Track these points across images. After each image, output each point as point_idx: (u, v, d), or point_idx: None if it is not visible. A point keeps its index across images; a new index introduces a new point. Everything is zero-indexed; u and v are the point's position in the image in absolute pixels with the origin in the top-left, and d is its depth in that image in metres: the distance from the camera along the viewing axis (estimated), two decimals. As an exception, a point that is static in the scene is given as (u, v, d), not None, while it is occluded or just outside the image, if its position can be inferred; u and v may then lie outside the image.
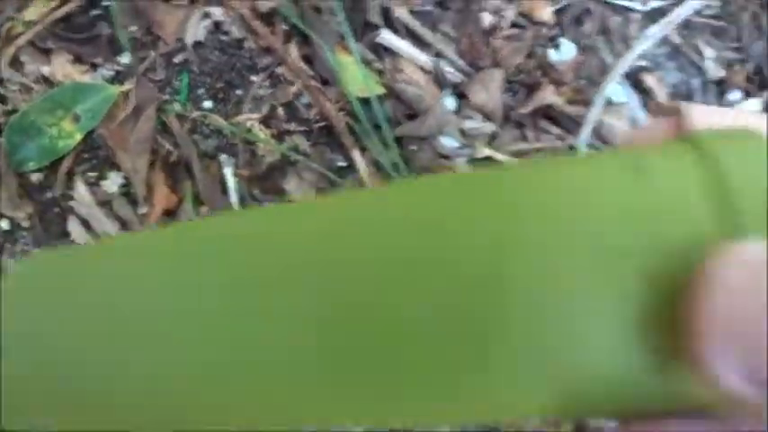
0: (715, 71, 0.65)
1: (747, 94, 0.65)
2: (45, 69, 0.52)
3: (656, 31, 0.61)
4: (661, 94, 0.62)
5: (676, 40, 0.64)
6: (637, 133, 0.17)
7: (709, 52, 0.65)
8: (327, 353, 0.13)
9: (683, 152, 0.14)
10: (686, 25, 0.64)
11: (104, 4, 0.54)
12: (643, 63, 0.63)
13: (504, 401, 0.13)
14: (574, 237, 0.13)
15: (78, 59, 0.53)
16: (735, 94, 0.65)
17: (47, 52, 0.52)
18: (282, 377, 0.13)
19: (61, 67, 0.52)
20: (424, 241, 0.13)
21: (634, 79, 0.62)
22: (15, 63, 0.52)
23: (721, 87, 0.64)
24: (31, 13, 0.52)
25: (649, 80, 0.62)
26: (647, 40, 0.61)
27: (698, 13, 0.65)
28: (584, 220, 0.13)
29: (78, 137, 0.50)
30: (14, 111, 0.50)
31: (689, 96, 0.64)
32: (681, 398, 0.13)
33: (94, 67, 0.53)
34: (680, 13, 0.62)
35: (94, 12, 0.54)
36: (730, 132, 0.14)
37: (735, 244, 0.13)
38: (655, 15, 0.63)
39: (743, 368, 0.12)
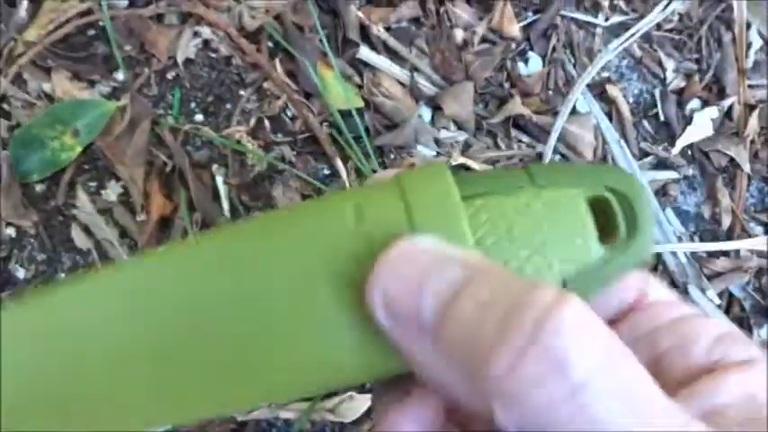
0: (675, 81, 0.69)
1: (706, 103, 0.70)
2: (46, 86, 0.55)
3: (617, 44, 0.66)
4: (624, 104, 0.66)
5: (638, 52, 0.68)
6: (377, 176, 0.22)
7: (669, 63, 0.69)
8: (158, 366, 0.19)
9: (390, 185, 0.20)
10: (647, 38, 0.69)
11: (100, 24, 0.57)
12: (607, 75, 0.67)
13: (274, 386, 0.19)
14: (307, 275, 0.19)
15: (77, 77, 0.56)
16: (694, 103, 0.69)
17: (47, 70, 0.55)
18: (121, 383, 0.19)
19: (61, 85, 0.55)
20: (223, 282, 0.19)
21: (599, 90, 0.66)
22: (18, 81, 0.55)
23: (681, 97, 0.69)
24: (31, 34, 0.55)
25: (613, 91, 0.66)
26: (610, 53, 0.65)
27: (658, 27, 0.70)
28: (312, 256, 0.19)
29: (78, 149, 0.54)
30: (18, 125, 0.54)
31: (652, 105, 0.68)
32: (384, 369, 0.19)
33: (92, 83, 0.56)
34: (640, 28, 0.67)
35: (91, 32, 0.57)
36: (422, 167, 0.20)
37: (400, 240, 0.18)
38: (617, 30, 0.68)
39: (386, 306, 0.17)
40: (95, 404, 0.19)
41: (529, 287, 0.16)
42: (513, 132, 0.63)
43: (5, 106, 0.54)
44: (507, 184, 0.20)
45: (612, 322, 0.22)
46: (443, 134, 0.61)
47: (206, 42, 0.59)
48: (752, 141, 0.69)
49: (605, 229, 0.21)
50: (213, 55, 0.59)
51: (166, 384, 0.19)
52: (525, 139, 0.63)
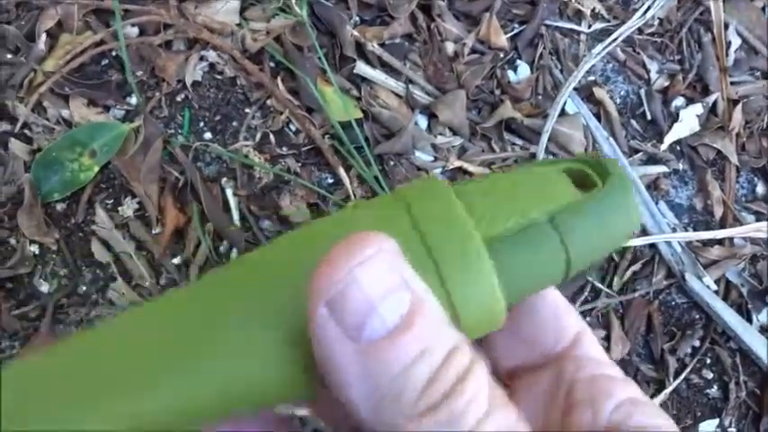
0: (659, 81, 0.72)
1: (690, 101, 0.73)
2: (64, 112, 0.59)
3: (601, 48, 0.69)
4: (611, 105, 0.70)
5: (621, 56, 0.72)
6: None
7: (652, 65, 0.72)
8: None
9: (391, 199, 0.21)
10: (630, 42, 0.72)
11: (113, 54, 0.61)
12: (593, 78, 0.70)
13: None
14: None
15: (93, 103, 0.60)
16: (679, 101, 0.72)
17: (65, 98, 0.59)
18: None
19: (78, 110, 0.59)
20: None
21: (586, 93, 0.70)
22: (38, 108, 0.59)
23: (666, 96, 0.72)
24: (49, 65, 0.59)
25: (600, 93, 0.69)
26: (594, 58, 0.69)
27: (640, 31, 0.73)
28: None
29: (96, 169, 0.57)
30: (39, 149, 0.57)
31: (638, 105, 0.71)
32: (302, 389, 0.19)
33: (107, 108, 0.60)
34: (622, 32, 0.70)
35: (104, 61, 0.61)
36: (419, 181, 0.21)
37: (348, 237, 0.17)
38: (600, 36, 0.71)
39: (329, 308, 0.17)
40: None
41: (452, 343, 0.17)
42: (507, 135, 0.66)
43: (27, 132, 0.58)
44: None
45: (539, 367, 0.24)
46: (440, 140, 0.64)
47: (212, 65, 0.62)
48: (737, 134, 0.71)
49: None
50: (219, 76, 0.62)
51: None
52: (518, 141, 0.66)
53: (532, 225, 0.20)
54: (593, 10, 0.72)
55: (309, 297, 0.17)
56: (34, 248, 0.56)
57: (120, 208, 0.58)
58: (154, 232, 0.57)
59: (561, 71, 0.69)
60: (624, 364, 0.64)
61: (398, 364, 0.16)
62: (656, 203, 0.67)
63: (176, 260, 0.58)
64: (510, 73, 0.68)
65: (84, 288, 0.56)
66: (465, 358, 0.17)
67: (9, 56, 0.59)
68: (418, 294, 0.17)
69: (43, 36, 0.59)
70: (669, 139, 0.70)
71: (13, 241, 0.56)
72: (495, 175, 0.22)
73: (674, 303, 0.66)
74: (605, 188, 0.21)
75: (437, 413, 0.16)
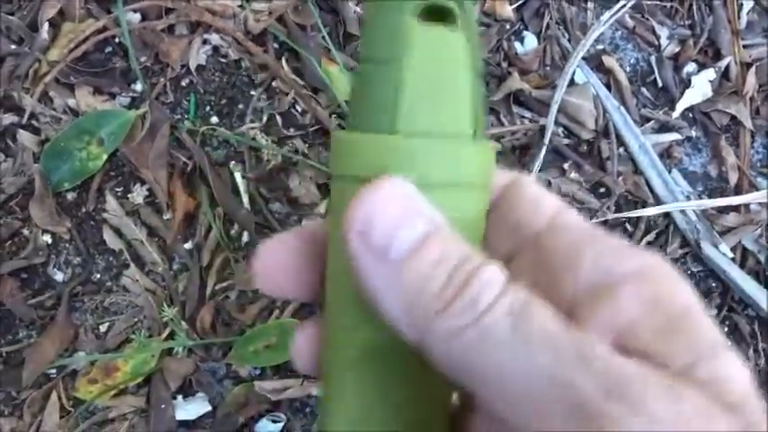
0: (670, 48, 0.71)
1: (702, 66, 0.71)
2: (70, 101, 0.59)
3: (609, 16, 0.68)
4: (621, 73, 0.68)
5: (630, 23, 0.70)
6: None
7: (662, 31, 0.71)
8: None
9: None
10: (638, 9, 0.71)
11: (115, 40, 0.61)
12: (602, 47, 0.69)
13: None
14: None
15: (98, 90, 0.60)
16: (690, 67, 0.71)
17: (71, 87, 0.59)
18: None
19: (84, 99, 0.59)
20: None
21: (595, 62, 0.68)
22: (44, 98, 0.59)
23: (677, 62, 0.71)
24: (53, 54, 0.59)
25: (609, 61, 0.68)
26: (602, 26, 0.67)
27: (648, -4, 0.72)
28: None
29: (104, 157, 0.57)
30: (47, 140, 0.58)
31: (649, 72, 0.70)
32: None
33: (113, 96, 0.60)
34: (630, -1, 0.69)
35: (108, 49, 0.61)
36: None
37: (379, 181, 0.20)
38: (608, 2, 0.70)
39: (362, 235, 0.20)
40: None
41: (465, 251, 0.20)
42: (515, 108, 0.65)
43: (35, 123, 0.58)
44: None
45: (526, 248, 0.24)
46: (447, 115, 0.63)
47: (215, 48, 0.62)
48: (751, 99, 0.70)
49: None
50: (223, 60, 0.62)
51: None
52: (527, 113, 0.65)
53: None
54: (600, -23, 0.70)
55: (344, 230, 0.20)
56: (47, 238, 0.56)
57: (129, 195, 0.58)
58: (165, 218, 0.58)
59: (569, 40, 0.68)
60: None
61: (421, 271, 0.19)
62: (670, 172, 0.66)
63: (188, 245, 0.58)
64: (517, 44, 0.67)
65: (98, 275, 0.57)
66: (477, 259, 0.20)
67: (13, 46, 0.59)
68: (434, 220, 0.20)
69: (46, 25, 0.59)
70: (681, 105, 0.68)
71: (26, 232, 0.56)
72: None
73: (689, 272, 0.65)
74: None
75: (455, 303, 0.19)
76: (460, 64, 0.21)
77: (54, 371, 0.54)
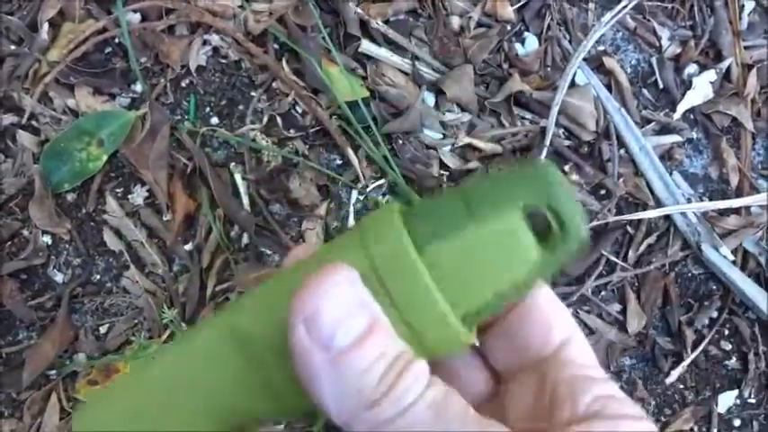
0: (671, 49, 0.71)
1: (703, 67, 0.71)
2: (70, 102, 0.59)
3: (610, 17, 0.68)
4: (622, 74, 0.68)
5: (631, 24, 0.70)
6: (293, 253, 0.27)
7: (663, 32, 0.71)
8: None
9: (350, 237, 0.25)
10: (639, 10, 0.71)
11: (115, 41, 0.61)
12: (602, 48, 0.69)
13: None
14: None
15: (98, 91, 0.60)
16: (691, 68, 0.71)
17: (70, 87, 0.59)
18: None
19: (84, 100, 0.59)
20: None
21: (596, 63, 0.68)
22: (44, 99, 0.59)
23: (678, 63, 0.70)
24: (53, 54, 0.59)
25: (610, 62, 0.68)
26: (603, 27, 0.67)
27: (649, -3, 0.71)
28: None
29: (104, 158, 0.57)
30: (47, 140, 0.57)
31: (650, 73, 0.70)
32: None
33: (112, 96, 0.60)
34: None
35: (107, 49, 0.61)
36: (374, 218, 0.25)
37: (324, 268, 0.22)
38: (609, 3, 0.70)
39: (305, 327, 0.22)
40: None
41: (399, 348, 0.22)
42: (516, 110, 0.65)
43: (34, 123, 0.58)
44: (450, 224, 0.24)
45: (530, 368, 0.27)
46: (448, 116, 0.63)
47: (215, 49, 0.62)
48: (752, 100, 0.70)
49: (543, 231, 0.25)
50: (223, 60, 0.62)
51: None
52: (528, 115, 0.65)
53: (495, 297, 0.24)
54: (601, -22, 0.70)
55: (289, 316, 0.22)
56: (47, 239, 0.56)
57: (130, 196, 0.58)
58: (165, 219, 0.58)
59: (570, 41, 0.68)
60: (641, 337, 0.63)
61: (362, 365, 0.21)
62: (671, 174, 0.66)
63: (188, 246, 0.58)
64: (518, 45, 0.67)
65: (98, 277, 0.57)
66: (408, 355, 0.22)
67: (13, 47, 0.59)
68: (375, 313, 0.22)
69: (45, 26, 0.59)
70: (682, 107, 0.68)
71: (25, 233, 0.56)
72: (466, 239, 0.24)
73: (690, 275, 0.65)
74: (563, 240, 0.24)
75: (387, 397, 0.21)
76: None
77: (54, 372, 0.54)
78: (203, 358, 0.25)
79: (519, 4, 0.67)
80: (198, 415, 0.24)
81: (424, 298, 0.23)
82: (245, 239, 0.58)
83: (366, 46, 0.63)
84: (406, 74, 0.64)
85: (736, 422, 0.63)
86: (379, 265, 0.23)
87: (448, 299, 0.23)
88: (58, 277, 0.56)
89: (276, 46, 0.63)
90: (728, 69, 0.70)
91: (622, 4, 0.69)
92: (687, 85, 0.69)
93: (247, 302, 0.25)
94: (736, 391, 0.63)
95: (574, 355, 0.27)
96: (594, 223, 0.63)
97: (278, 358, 0.23)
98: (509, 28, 0.67)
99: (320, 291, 0.21)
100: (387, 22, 0.64)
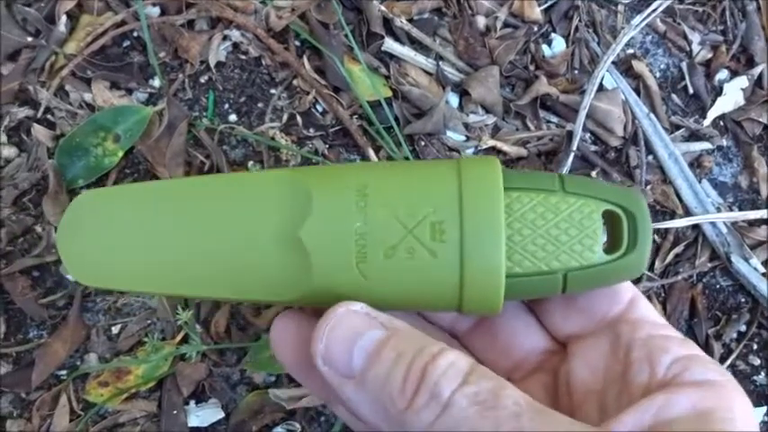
0: (702, 54, 0.69)
1: (735, 73, 0.69)
2: (87, 96, 0.57)
3: (640, 20, 0.66)
4: (651, 79, 0.66)
5: (661, 27, 0.68)
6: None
7: (694, 36, 0.69)
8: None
9: (450, 164, 0.27)
10: (670, 13, 0.69)
11: (134, 35, 0.60)
12: (632, 51, 0.67)
13: None
14: None
15: (115, 86, 0.58)
16: (722, 74, 0.69)
17: (87, 81, 0.58)
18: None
19: (101, 94, 0.58)
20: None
21: (625, 67, 0.66)
22: (60, 92, 0.57)
23: (709, 68, 0.69)
24: (70, 47, 0.58)
25: (639, 66, 0.66)
26: (633, 30, 0.65)
27: (680, 0, 0.70)
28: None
29: (120, 154, 0.56)
30: (62, 135, 0.56)
31: (680, 78, 0.68)
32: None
33: (130, 91, 0.59)
34: (662, 2, 0.67)
35: (126, 43, 0.60)
36: (479, 158, 0.27)
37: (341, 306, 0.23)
38: (638, 6, 0.68)
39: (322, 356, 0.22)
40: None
41: (421, 343, 0.21)
42: (542, 113, 0.63)
43: (50, 117, 0.57)
44: (543, 184, 0.25)
45: (596, 331, 0.26)
46: (472, 118, 0.61)
47: (236, 45, 0.60)
48: (785, 108, 0.68)
49: (612, 238, 0.26)
50: (243, 57, 0.60)
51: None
52: (554, 118, 0.63)
53: (547, 272, 0.24)
54: (631, -21, 0.68)
55: (313, 361, 0.22)
56: (60, 236, 0.55)
57: (145, 193, 0.56)
58: (180, 218, 0.56)
59: (598, 44, 0.66)
60: (666, 349, 0.61)
61: (381, 373, 0.21)
62: (700, 182, 0.64)
63: (203, 246, 0.56)
64: (545, 47, 0.65)
65: (111, 276, 0.55)
66: (433, 348, 0.21)
67: (29, 39, 0.57)
68: (393, 326, 0.22)
69: (63, 18, 0.58)
70: (712, 114, 0.66)
71: (38, 229, 0.55)
72: (549, 199, 0.25)
73: (718, 286, 0.63)
74: (630, 259, 0.25)
75: (417, 398, 0.20)
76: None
77: (64, 372, 0.53)
78: (259, 185, 0.26)
79: (546, 5, 0.66)
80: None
81: (490, 230, 0.23)
82: (262, 240, 0.57)
83: (389, 45, 0.61)
84: (429, 74, 0.62)
85: (764, 440, 0.61)
86: (465, 189, 0.23)
87: (508, 247, 0.24)
88: (71, 275, 0.55)
89: (297, 43, 0.61)
90: (760, 76, 0.68)
91: (652, 6, 0.67)
92: (718, 92, 0.67)
93: (317, 169, 0.27)
94: (765, 408, 0.61)
95: (645, 314, 0.25)
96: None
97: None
98: (536, 29, 0.65)
99: (327, 326, 0.22)
100: (411, 20, 0.63)
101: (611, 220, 0.26)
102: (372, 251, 0.24)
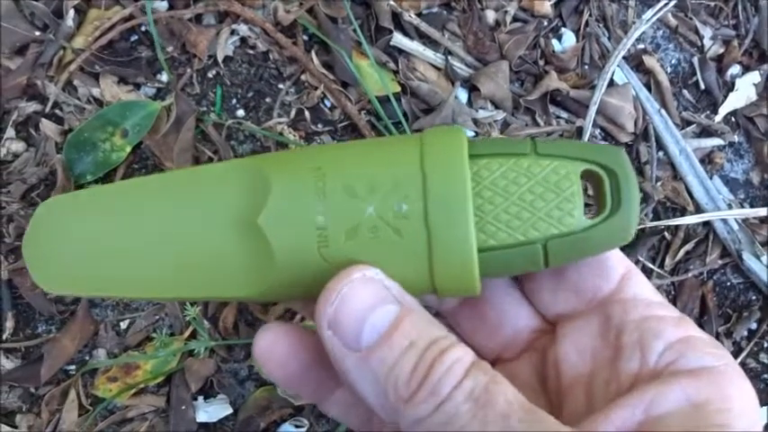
0: (713, 49, 0.68)
1: (747, 68, 0.68)
2: (95, 91, 0.57)
3: (651, 14, 0.65)
4: (662, 74, 0.66)
5: (672, 22, 0.67)
6: None
7: (705, 31, 0.68)
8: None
9: (413, 137, 0.25)
10: (681, 7, 0.68)
11: (142, 29, 0.59)
12: (642, 46, 0.66)
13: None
14: None
15: (123, 80, 0.58)
16: (734, 69, 0.68)
17: (95, 76, 0.58)
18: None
19: (109, 89, 0.57)
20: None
21: (636, 62, 0.66)
22: (68, 87, 0.57)
23: (720, 64, 0.68)
24: (78, 42, 0.58)
25: (650, 61, 0.66)
26: (644, 24, 0.65)
27: (692, -5, 0.69)
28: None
29: (128, 149, 0.56)
30: (70, 130, 0.56)
31: (691, 74, 0.67)
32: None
33: (137, 86, 0.58)
34: (674, -3, 0.66)
35: (133, 37, 0.59)
36: (443, 127, 0.26)
37: (352, 269, 0.21)
38: (650, 0, 0.67)
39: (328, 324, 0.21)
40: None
41: (434, 334, 0.21)
42: (551, 108, 0.62)
43: (58, 112, 0.57)
44: (513, 148, 0.23)
45: (587, 311, 0.24)
46: (481, 114, 0.61)
47: (243, 40, 0.60)
48: (798, 104, 0.67)
49: (594, 201, 0.24)
50: (251, 51, 0.60)
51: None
52: (564, 114, 0.63)
53: (525, 243, 0.22)
54: (642, -27, 0.68)
55: (316, 320, 0.21)
56: (68, 231, 0.55)
57: (153, 189, 0.56)
58: (188, 213, 0.56)
59: (609, 39, 0.65)
60: (676, 347, 0.61)
61: (390, 359, 0.20)
62: (711, 178, 0.64)
63: (211, 242, 0.56)
64: (554, 42, 0.64)
65: (120, 271, 0.55)
66: (445, 342, 0.20)
67: (37, 33, 0.57)
68: (406, 304, 0.21)
69: (71, 12, 0.58)
70: (724, 109, 0.66)
71: (46, 224, 0.55)
72: (521, 163, 0.23)
73: (729, 284, 0.63)
74: (615, 222, 0.22)
75: (420, 391, 0.19)
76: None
77: (73, 367, 0.53)
78: (215, 176, 0.25)
79: (556, 0, 0.65)
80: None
81: (455, 200, 0.22)
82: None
83: (398, 39, 0.61)
84: (438, 69, 0.62)
85: (774, 439, 0.61)
86: (426, 159, 0.22)
87: (478, 218, 0.22)
88: (79, 270, 0.55)
89: (306, 38, 0.61)
90: (773, 71, 0.67)
91: (664, 1, 0.66)
92: (729, 87, 0.67)
93: (276, 155, 0.26)
94: (775, 407, 0.60)
95: (638, 292, 0.23)
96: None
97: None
98: (546, 23, 0.64)
99: (339, 292, 0.21)
100: (420, 15, 0.62)
101: (592, 181, 0.24)
102: (334, 234, 0.22)
